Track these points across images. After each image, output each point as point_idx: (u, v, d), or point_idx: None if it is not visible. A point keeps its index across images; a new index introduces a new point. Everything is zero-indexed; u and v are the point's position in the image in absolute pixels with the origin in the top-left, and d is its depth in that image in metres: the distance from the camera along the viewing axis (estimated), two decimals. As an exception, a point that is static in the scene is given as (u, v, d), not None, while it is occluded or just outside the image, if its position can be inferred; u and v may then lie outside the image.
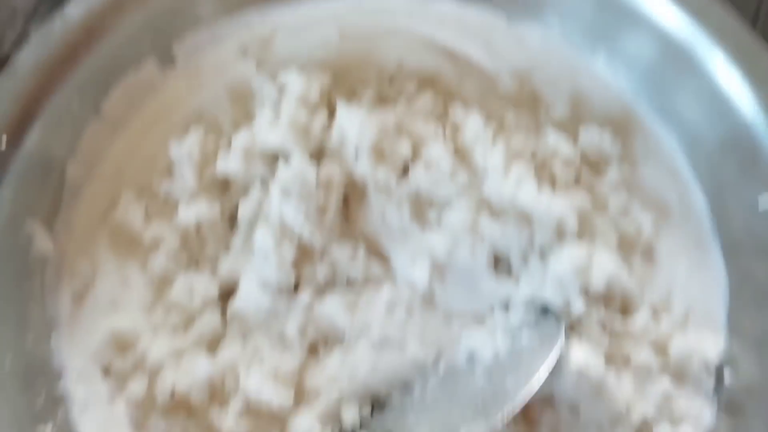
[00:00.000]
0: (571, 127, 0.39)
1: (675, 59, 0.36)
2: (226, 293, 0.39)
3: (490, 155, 0.37)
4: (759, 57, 0.35)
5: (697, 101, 0.36)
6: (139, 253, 0.39)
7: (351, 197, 0.39)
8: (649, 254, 0.38)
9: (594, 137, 0.38)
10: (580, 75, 0.39)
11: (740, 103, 0.34)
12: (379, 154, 0.38)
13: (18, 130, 0.35)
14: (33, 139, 0.36)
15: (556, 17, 0.39)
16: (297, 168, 0.37)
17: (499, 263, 0.39)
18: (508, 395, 0.34)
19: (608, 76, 0.39)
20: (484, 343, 0.37)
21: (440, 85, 0.40)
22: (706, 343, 0.37)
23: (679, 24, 0.36)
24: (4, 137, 0.34)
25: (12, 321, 0.36)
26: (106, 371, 0.38)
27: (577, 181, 0.39)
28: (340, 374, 0.37)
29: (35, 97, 0.36)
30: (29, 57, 0.35)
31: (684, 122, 0.37)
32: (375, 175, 0.38)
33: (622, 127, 0.39)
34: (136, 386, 0.37)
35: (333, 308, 0.38)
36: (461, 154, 0.38)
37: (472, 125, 0.37)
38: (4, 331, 0.35)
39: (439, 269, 0.38)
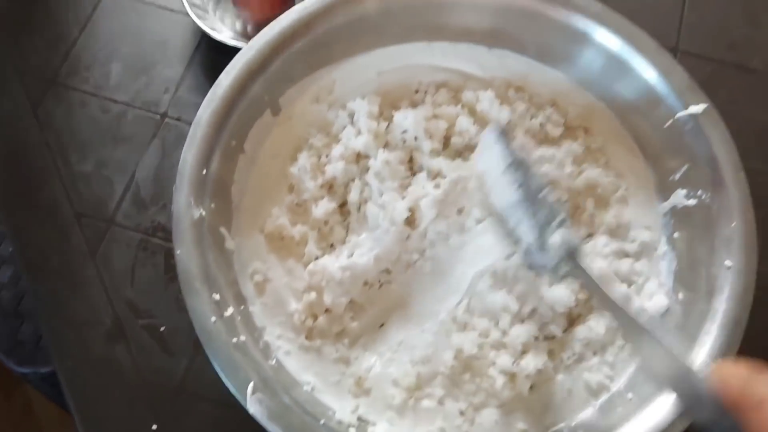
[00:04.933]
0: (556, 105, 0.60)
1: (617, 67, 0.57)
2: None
3: (500, 114, 0.57)
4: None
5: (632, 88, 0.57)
6: (292, 248, 0.56)
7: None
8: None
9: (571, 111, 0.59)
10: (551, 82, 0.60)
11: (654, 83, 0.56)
12: (428, 133, 0.57)
13: (206, 161, 0.51)
14: (214, 168, 0.52)
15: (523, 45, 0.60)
16: (383, 158, 0.56)
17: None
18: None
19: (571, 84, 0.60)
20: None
21: (451, 86, 0.60)
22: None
23: (619, 45, 0.56)
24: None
25: (230, 291, 0.51)
26: (300, 330, 0.53)
27: (563, 136, 0.59)
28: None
29: (210, 143, 0.52)
30: (204, 114, 0.52)
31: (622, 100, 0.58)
32: (430, 147, 0.56)
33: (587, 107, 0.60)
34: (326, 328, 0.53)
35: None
36: (480, 120, 0.58)
37: (486, 97, 0.58)
38: (229, 297, 0.50)
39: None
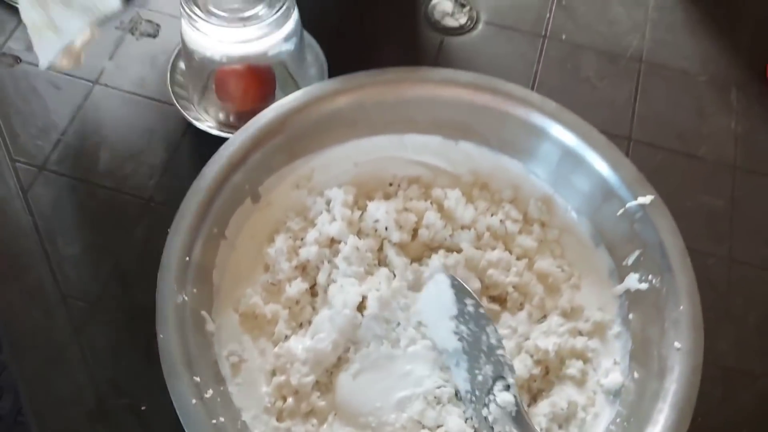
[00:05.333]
0: (516, 203, 0.65)
1: (572, 161, 0.62)
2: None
3: (464, 213, 0.63)
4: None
5: (586, 180, 0.62)
6: (264, 327, 0.59)
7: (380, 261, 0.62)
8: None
9: (531, 204, 0.64)
10: (512, 173, 0.65)
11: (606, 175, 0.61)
12: (398, 225, 0.61)
13: (189, 249, 0.55)
14: (196, 255, 0.55)
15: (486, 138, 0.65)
16: (353, 243, 0.60)
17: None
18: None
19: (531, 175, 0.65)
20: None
21: (422, 182, 0.65)
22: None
23: (575, 142, 0.61)
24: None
25: (210, 372, 0.53)
26: (271, 412, 0.55)
27: (521, 232, 0.64)
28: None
29: (193, 232, 0.56)
30: (187, 205, 0.56)
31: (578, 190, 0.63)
32: (399, 237, 0.61)
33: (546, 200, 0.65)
34: (295, 408, 0.55)
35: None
36: (446, 217, 0.63)
37: (453, 195, 0.63)
38: (209, 378, 0.52)
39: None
